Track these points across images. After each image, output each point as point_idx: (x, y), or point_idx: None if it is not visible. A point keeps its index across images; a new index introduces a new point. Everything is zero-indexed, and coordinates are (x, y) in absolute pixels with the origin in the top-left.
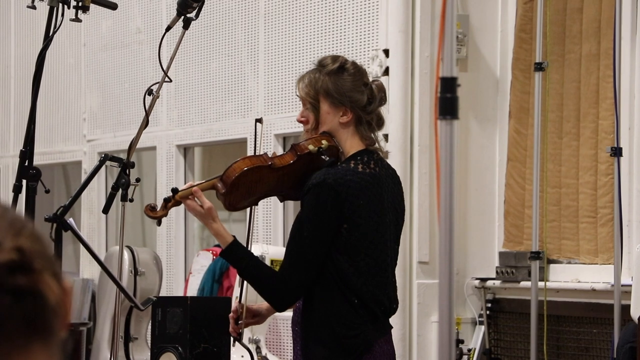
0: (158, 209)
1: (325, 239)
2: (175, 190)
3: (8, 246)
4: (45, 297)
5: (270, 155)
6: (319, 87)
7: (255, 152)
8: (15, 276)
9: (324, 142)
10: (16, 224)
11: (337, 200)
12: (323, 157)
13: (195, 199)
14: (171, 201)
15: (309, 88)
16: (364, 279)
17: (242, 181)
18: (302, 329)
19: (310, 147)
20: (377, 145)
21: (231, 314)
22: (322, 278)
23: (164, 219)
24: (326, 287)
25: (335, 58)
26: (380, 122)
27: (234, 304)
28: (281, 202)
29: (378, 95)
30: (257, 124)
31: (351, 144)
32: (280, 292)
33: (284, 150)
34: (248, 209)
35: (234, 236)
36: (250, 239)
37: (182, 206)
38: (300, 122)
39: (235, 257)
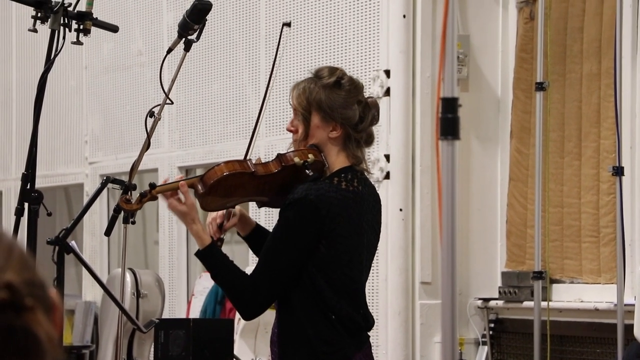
0: (133, 202)
1: (300, 254)
2: (152, 185)
3: None
4: (36, 334)
5: (255, 162)
6: (312, 99)
7: (277, 53)
8: (6, 315)
9: (310, 156)
10: (2, 250)
11: (317, 217)
12: (307, 171)
13: (179, 194)
14: (147, 196)
15: (302, 98)
16: (338, 296)
17: (221, 184)
18: (279, 347)
19: (296, 159)
20: (363, 164)
21: (214, 218)
22: (300, 294)
23: (167, 241)
24: (304, 303)
25: (332, 71)
26: (369, 140)
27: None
28: (259, 207)
29: (370, 114)
30: (284, 27)
31: (337, 160)
32: (249, 299)
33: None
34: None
35: (212, 238)
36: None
37: (184, 229)
38: (290, 131)
39: (209, 259)
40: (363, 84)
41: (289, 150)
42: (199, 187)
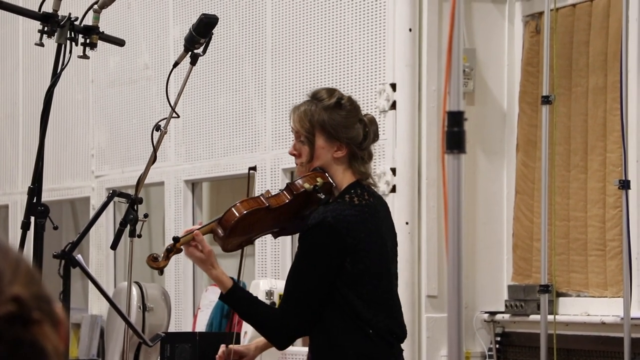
0: (160, 259)
1: (324, 277)
2: (176, 239)
3: (5, 297)
4: (43, 347)
5: (264, 195)
6: (314, 121)
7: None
8: (14, 328)
9: (318, 179)
10: (10, 263)
11: (339, 237)
12: (319, 194)
13: (196, 243)
14: (173, 250)
15: (305, 121)
16: (373, 310)
17: (240, 224)
18: None
19: (306, 185)
20: (369, 179)
21: (218, 356)
22: (335, 314)
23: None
24: (339, 323)
25: (331, 92)
26: (370, 156)
27: (221, 348)
28: (274, 238)
29: (372, 131)
30: (251, 171)
31: (344, 178)
32: (280, 330)
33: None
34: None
35: (233, 279)
36: (241, 274)
37: None
38: (293, 155)
39: (235, 301)
40: (361, 102)
41: (296, 179)
42: (219, 231)
